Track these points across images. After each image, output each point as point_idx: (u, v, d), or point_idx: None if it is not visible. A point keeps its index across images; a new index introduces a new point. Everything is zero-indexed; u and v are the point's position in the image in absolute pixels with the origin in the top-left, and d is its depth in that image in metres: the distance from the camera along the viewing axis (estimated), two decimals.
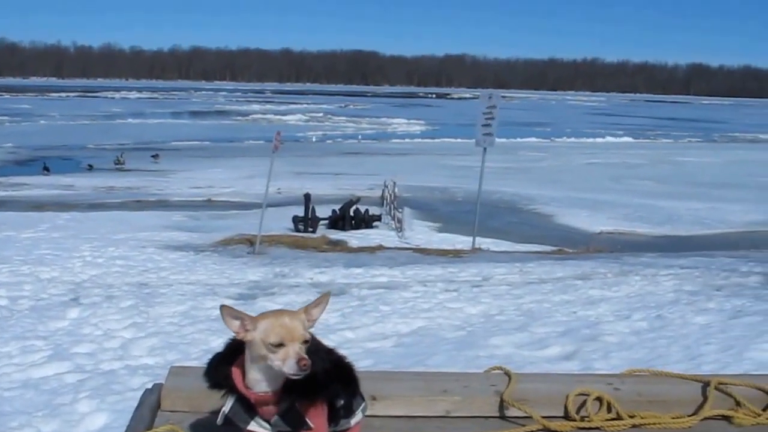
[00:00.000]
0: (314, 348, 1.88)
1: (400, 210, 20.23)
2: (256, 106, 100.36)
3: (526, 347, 7.66)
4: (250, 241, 15.02)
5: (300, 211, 18.92)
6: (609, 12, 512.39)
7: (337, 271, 12.31)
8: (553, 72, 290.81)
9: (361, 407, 2.00)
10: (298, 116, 79.58)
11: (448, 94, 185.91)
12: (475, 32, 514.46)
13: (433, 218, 22.12)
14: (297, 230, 18.33)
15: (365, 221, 19.74)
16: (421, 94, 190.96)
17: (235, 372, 1.89)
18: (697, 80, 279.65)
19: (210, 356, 1.99)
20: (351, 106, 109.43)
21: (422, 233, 19.17)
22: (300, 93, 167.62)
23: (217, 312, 6.66)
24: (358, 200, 20.66)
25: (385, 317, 9.06)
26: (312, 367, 1.79)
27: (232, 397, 1.90)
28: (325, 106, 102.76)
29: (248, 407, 1.87)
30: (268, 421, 1.86)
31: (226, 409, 1.91)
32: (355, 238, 17.41)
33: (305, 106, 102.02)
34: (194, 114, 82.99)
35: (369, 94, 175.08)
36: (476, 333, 8.48)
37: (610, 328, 8.34)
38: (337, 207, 20.07)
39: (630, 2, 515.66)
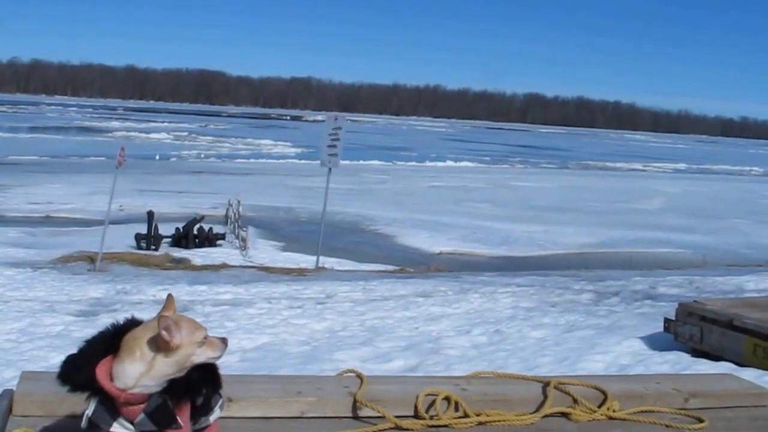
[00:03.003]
0: None
1: (245, 229, 20.15)
2: (116, 123, 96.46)
3: (371, 361, 7.86)
4: (91, 258, 14.57)
5: (143, 229, 18.48)
6: (450, 41, 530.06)
7: (181, 288, 12.15)
8: (396, 97, 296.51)
9: (219, 404, 2.03)
10: (163, 134, 77.20)
11: (302, 117, 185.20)
12: (320, 56, 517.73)
13: (277, 237, 22.13)
14: (139, 248, 17.89)
15: (209, 239, 19.53)
16: (274, 116, 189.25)
17: (100, 373, 1.86)
18: (534, 109, 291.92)
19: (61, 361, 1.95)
20: (211, 126, 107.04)
21: (266, 252, 19.16)
22: (154, 111, 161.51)
23: (57, 329, 6.53)
24: (202, 218, 20.42)
25: (230, 333, 9.02)
26: None
27: (95, 399, 1.89)
28: (185, 125, 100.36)
29: (111, 409, 1.86)
30: (131, 422, 1.85)
31: (89, 411, 1.90)
32: (198, 256, 17.19)
33: (165, 124, 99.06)
34: (44, 129, 78.83)
35: (224, 114, 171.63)
36: (321, 348, 8.68)
37: (451, 342, 8.73)
38: (180, 225, 19.74)
39: (471, 32, 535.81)
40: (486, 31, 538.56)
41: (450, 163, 60.53)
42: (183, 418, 1.89)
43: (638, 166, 73.21)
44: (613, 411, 2.63)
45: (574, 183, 47.40)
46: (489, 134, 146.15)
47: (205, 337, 1.90)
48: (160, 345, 1.84)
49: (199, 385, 1.93)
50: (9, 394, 2.33)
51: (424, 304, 11.26)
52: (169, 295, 1.99)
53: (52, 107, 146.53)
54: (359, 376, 2.68)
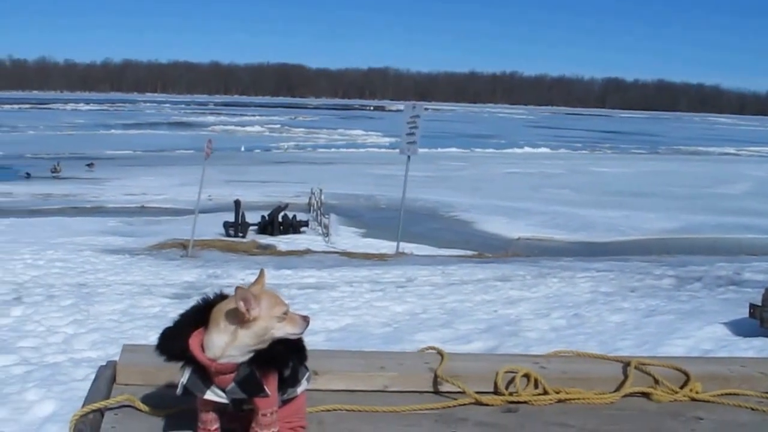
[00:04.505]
0: None
1: (327, 216, 20.63)
2: (211, 117, 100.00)
3: (450, 342, 7.95)
4: (183, 245, 15.21)
5: (231, 217, 19.15)
6: (528, 27, 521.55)
7: (267, 272, 12.57)
8: (473, 85, 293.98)
9: (305, 376, 2.10)
10: (256, 127, 79.73)
11: (384, 107, 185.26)
12: (397, 46, 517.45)
13: (358, 224, 22.51)
14: (228, 235, 18.55)
15: (293, 226, 20.05)
16: (357, 106, 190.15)
17: (193, 344, 1.96)
18: (613, 93, 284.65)
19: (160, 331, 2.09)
20: (300, 118, 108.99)
21: (348, 238, 19.54)
22: (241, 105, 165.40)
23: (154, 310, 7.01)
24: (286, 207, 20.96)
25: (315, 315, 9.28)
26: None
27: (189, 369, 1.98)
28: (276, 117, 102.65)
29: (205, 377, 1.96)
30: (223, 390, 1.95)
31: (184, 380, 1.99)
32: (283, 242, 17.72)
33: (256, 117, 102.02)
34: (140, 125, 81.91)
35: (310, 106, 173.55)
36: (402, 329, 8.85)
37: (530, 325, 8.77)
38: (266, 213, 20.33)
39: (547, 18, 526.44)
40: (562, 16, 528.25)
41: (528, 149, 59.75)
42: (270, 387, 1.96)
43: (730, 150, 70.22)
44: (696, 393, 2.57)
45: (656, 168, 46.35)
46: (568, 120, 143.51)
47: (285, 313, 1.93)
48: (239, 316, 1.91)
49: (285, 357, 1.99)
50: (112, 364, 2.46)
51: (503, 287, 11.36)
52: (262, 270, 2.04)
53: (146, 104, 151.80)
54: (440, 353, 2.67)
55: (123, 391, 2.29)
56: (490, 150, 58.94)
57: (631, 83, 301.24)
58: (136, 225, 20.48)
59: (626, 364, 2.68)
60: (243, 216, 19.06)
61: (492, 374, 2.52)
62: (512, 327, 8.84)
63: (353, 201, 27.26)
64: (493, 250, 17.48)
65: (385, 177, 33.07)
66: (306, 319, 1.96)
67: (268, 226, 19.70)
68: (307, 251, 15.78)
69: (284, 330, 1.93)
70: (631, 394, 2.54)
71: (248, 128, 79.54)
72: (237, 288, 1.94)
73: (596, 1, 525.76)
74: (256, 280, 2.02)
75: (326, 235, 19.29)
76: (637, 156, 59.29)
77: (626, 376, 2.59)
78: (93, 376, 2.42)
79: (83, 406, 2.15)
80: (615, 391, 2.54)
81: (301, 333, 1.96)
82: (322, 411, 2.28)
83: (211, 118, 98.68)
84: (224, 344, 1.92)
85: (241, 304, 1.90)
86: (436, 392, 2.50)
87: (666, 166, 48.16)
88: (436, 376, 2.51)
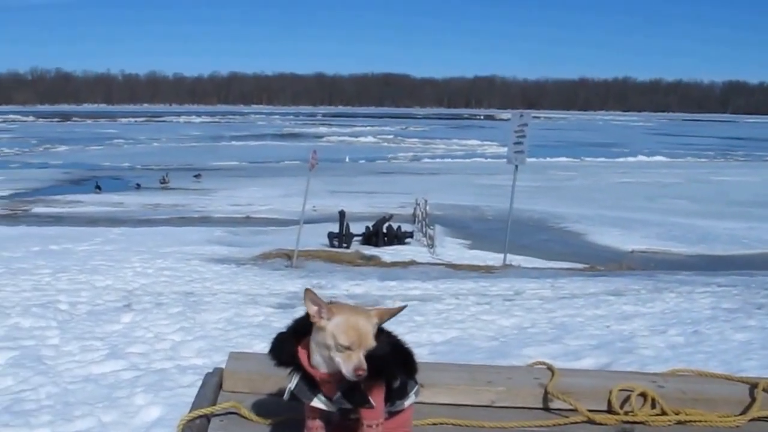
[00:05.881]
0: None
1: (432, 227, 20.46)
2: (323, 129, 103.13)
3: (560, 358, 7.65)
4: (287, 255, 15.34)
5: (335, 228, 19.26)
6: (640, 30, 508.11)
7: (371, 283, 12.54)
8: (583, 91, 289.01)
9: (414, 390, 2.06)
10: (369, 138, 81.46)
11: (493, 115, 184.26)
12: (504, 53, 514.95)
13: (463, 235, 22.28)
14: (332, 246, 18.65)
15: (397, 237, 20.00)
16: (466, 116, 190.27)
17: (301, 351, 1.98)
18: (736, 97, 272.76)
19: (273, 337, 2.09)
20: (411, 128, 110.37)
21: (453, 250, 19.35)
22: (349, 116, 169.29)
23: (259, 319, 7.05)
24: (390, 217, 20.96)
25: (420, 327, 9.25)
26: (376, 349, 1.89)
27: (297, 375, 1.99)
28: (387, 128, 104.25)
29: (312, 385, 1.97)
30: (330, 398, 1.95)
31: (291, 386, 2.00)
32: (387, 253, 17.66)
33: (369, 128, 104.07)
34: (257, 136, 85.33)
35: (419, 116, 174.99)
36: (509, 344, 8.59)
37: (645, 342, 8.33)
38: (370, 224, 20.38)
39: (661, 20, 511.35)
40: (678, 17, 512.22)
41: (642, 157, 58.09)
42: (376, 399, 1.93)
43: None
44: None
45: None
46: (687, 126, 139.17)
47: (348, 348, 1.86)
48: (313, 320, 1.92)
49: (391, 369, 1.95)
50: (219, 371, 2.50)
51: (616, 302, 10.90)
52: (402, 307, 2.04)
53: (257, 116, 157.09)
54: (550, 368, 2.59)
55: (229, 398, 2.34)
56: (602, 159, 57.71)
57: (755, 86, 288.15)
58: (241, 235, 20.89)
59: (753, 385, 2.51)
60: (347, 227, 19.13)
61: (605, 392, 2.42)
62: (626, 344, 8.41)
63: (459, 212, 27.04)
64: (604, 262, 16.93)
65: (492, 187, 32.81)
66: (357, 373, 1.84)
67: (373, 237, 19.72)
68: (412, 262, 15.66)
69: (337, 360, 1.86)
70: (759, 419, 2.38)
71: (361, 138, 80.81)
72: (306, 290, 1.90)
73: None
74: (393, 311, 1.97)
75: (431, 246, 19.11)
76: (763, 164, 56.57)
77: (753, 399, 2.43)
78: (199, 383, 2.48)
79: (190, 411, 2.21)
80: (741, 415, 2.39)
81: (348, 376, 1.85)
82: (428, 425, 2.26)
83: (322, 129, 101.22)
84: (312, 352, 1.93)
85: (311, 306, 1.90)
86: (546, 409, 2.43)
87: None
88: (546, 392, 2.43)
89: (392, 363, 1.95)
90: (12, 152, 59.57)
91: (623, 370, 7.37)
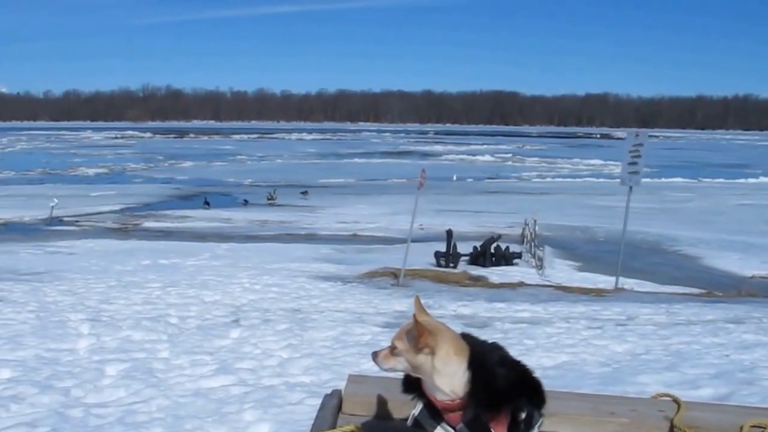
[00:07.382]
0: (500, 359, 1.94)
1: (541, 248, 20.11)
2: (438, 147, 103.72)
3: (677, 387, 7.37)
4: (394, 274, 15.36)
5: (442, 247, 19.18)
6: (762, 45, 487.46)
7: (479, 304, 12.41)
8: (701, 109, 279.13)
9: (539, 423, 2.00)
10: (487, 157, 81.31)
11: (609, 134, 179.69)
12: (617, 70, 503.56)
13: (574, 257, 21.78)
14: (439, 265, 18.57)
15: (505, 258, 19.73)
16: (581, 134, 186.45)
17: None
18: None
19: None
20: (527, 147, 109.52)
21: (563, 271, 18.93)
22: (461, 134, 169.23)
23: (366, 338, 7.21)
24: (498, 237, 20.73)
25: (529, 350, 9.08)
26: (497, 380, 1.88)
27: (421, 402, 2.00)
28: (503, 146, 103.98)
29: (435, 413, 1.96)
30: (453, 428, 1.93)
31: (416, 412, 2.00)
32: (495, 274, 17.43)
33: (485, 146, 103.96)
34: (372, 154, 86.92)
35: (533, 135, 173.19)
36: (622, 370, 8.33)
37: None
38: (478, 243, 20.20)
39: None
40: None
41: (764, 179, 55.58)
42: (499, 430, 1.90)
43: None
44: None
45: None
46: None
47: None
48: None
49: (513, 399, 1.92)
50: (338, 393, 2.54)
51: (736, 330, 10.42)
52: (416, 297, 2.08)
53: (369, 133, 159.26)
54: (675, 401, 2.56)
55: (348, 420, 2.37)
56: (720, 180, 55.43)
57: None
58: (348, 252, 21.07)
59: None
60: (455, 246, 19.02)
61: (735, 428, 2.34)
62: (747, 374, 7.99)
63: (569, 233, 26.50)
64: (723, 288, 16.19)
65: (604, 208, 32.06)
66: (374, 356, 1.99)
67: (480, 257, 19.53)
68: (521, 284, 15.42)
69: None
70: None
71: (479, 157, 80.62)
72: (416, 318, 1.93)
73: None
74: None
75: (540, 267, 18.77)
76: None
77: None
78: (307, 401, 2.66)
79: None
80: None
81: (378, 366, 1.98)
82: None
83: (438, 148, 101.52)
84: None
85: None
86: None
87: None
88: (672, 426, 2.37)
89: (517, 393, 1.91)
90: (132, 167, 62.27)
91: (745, 401, 7.06)
